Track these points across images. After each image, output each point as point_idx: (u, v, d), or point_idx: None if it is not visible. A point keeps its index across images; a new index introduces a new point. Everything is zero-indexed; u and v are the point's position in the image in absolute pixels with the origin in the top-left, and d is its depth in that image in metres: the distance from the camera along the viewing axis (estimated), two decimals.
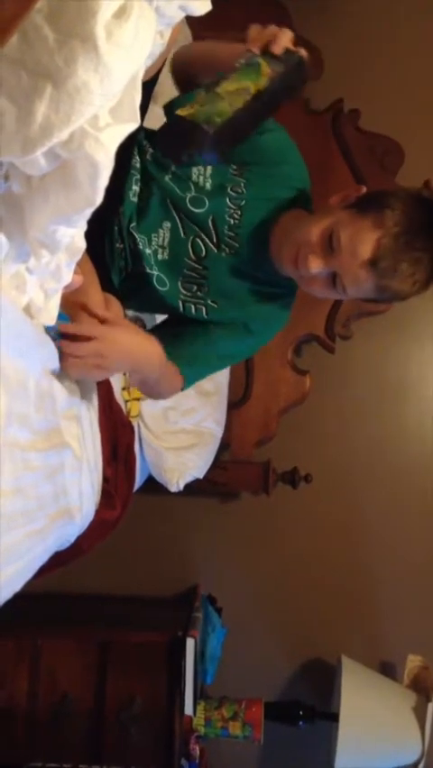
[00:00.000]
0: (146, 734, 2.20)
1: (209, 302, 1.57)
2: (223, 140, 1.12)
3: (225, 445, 2.56)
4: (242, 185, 1.53)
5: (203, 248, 1.54)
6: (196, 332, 1.57)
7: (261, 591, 2.77)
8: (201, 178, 1.52)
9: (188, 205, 1.51)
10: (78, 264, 1.11)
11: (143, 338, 1.35)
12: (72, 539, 1.39)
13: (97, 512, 1.46)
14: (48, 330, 1.15)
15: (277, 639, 2.77)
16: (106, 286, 1.40)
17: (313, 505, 2.76)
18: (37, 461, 1.12)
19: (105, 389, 1.53)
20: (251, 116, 1.14)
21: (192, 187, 1.52)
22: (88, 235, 1.05)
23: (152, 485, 2.20)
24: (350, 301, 2.61)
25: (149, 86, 1.45)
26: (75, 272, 1.11)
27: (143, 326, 1.76)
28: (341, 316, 2.65)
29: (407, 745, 2.41)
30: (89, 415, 1.39)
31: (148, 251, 1.53)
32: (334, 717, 2.44)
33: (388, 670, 2.71)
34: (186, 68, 1.44)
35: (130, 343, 1.29)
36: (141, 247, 1.51)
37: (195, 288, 1.56)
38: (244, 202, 1.53)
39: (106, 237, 1.51)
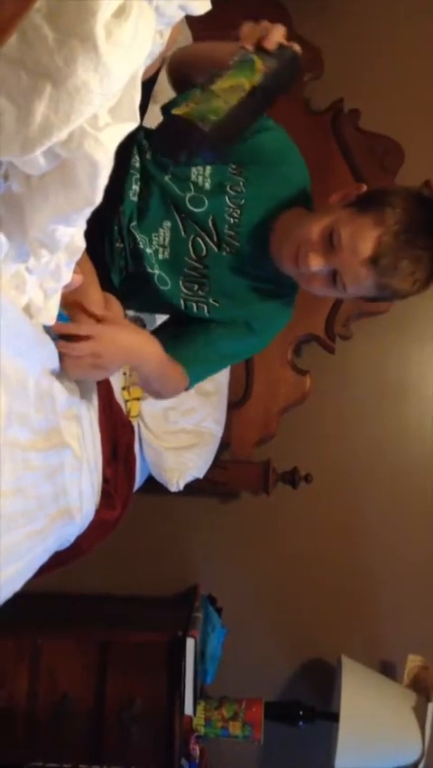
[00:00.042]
0: (146, 734, 2.20)
1: (211, 301, 1.57)
2: (219, 137, 1.12)
3: (225, 445, 2.56)
4: (241, 184, 1.53)
5: (203, 247, 1.54)
6: (198, 331, 1.57)
7: (261, 591, 2.77)
8: (200, 177, 1.52)
9: (188, 204, 1.52)
10: (78, 264, 1.11)
11: (141, 336, 1.35)
12: (72, 539, 1.39)
13: (97, 512, 1.46)
14: (47, 330, 1.15)
15: (277, 639, 2.77)
16: (106, 285, 1.40)
17: (313, 505, 2.76)
18: (37, 460, 1.12)
19: (105, 389, 1.54)
20: (246, 112, 1.15)
21: (191, 187, 1.52)
22: (88, 235, 1.05)
23: (152, 485, 2.20)
24: (350, 301, 2.61)
25: (148, 86, 1.46)
26: (74, 272, 1.11)
27: (143, 326, 1.76)
28: (341, 316, 2.65)
29: (407, 744, 2.41)
30: (89, 414, 1.39)
31: (149, 250, 1.53)
32: (334, 717, 2.44)
33: (388, 670, 2.71)
34: (181, 70, 1.44)
35: (127, 342, 1.29)
36: (141, 246, 1.51)
37: (196, 287, 1.56)
38: (243, 201, 1.53)
39: (106, 237, 1.51)
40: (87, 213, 0.92)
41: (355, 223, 1.40)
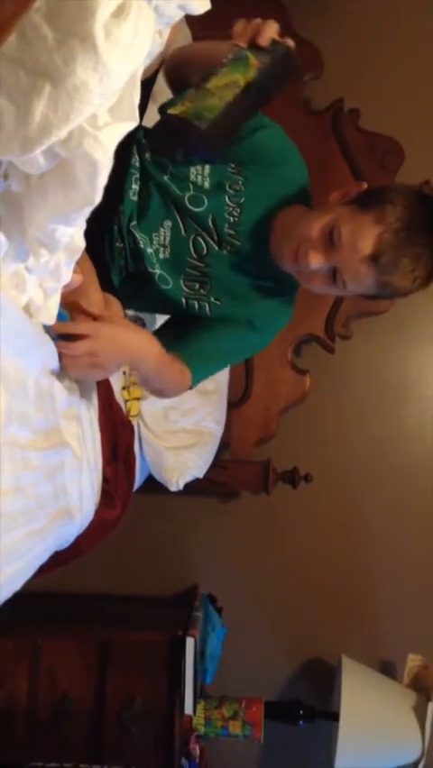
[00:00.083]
0: (146, 733, 2.20)
1: (212, 299, 1.57)
2: (216, 134, 1.12)
3: (225, 445, 2.56)
4: (240, 183, 1.53)
5: (204, 246, 1.54)
6: (200, 329, 1.57)
7: (261, 591, 2.77)
8: (199, 177, 1.52)
9: (188, 204, 1.52)
10: (78, 263, 1.11)
11: (139, 335, 1.35)
12: (72, 539, 1.39)
13: (97, 512, 1.46)
14: (47, 329, 1.15)
15: (277, 638, 2.77)
16: (106, 285, 1.40)
17: (313, 504, 2.76)
18: (37, 460, 1.12)
19: (104, 389, 1.54)
20: (242, 109, 1.15)
21: (191, 187, 1.52)
22: (88, 234, 1.05)
23: (152, 484, 2.20)
24: (350, 301, 2.61)
25: (148, 85, 1.46)
26: (74, 271, 1.11)
27: (143, 326, 1.76)
28: (341, 316, 2.65)
29: (407, 744, 2.41)
30: (89, 414, 1.39)
31: (149, 249, 1.53)
32: (334, 717, 2.44)
33: (388, 669, 2.71)
34: (177, 70, 1.44)
35: (124, 340, 1.29)
36: (142, 246, 1.51)
37: (197, 285, 1.56)
38: (243, 200, 1.53)
39: (106, 236, 1.51)
40: (87, 212, 0.92)
41: (356, 220, 1.40)
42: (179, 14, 0.97)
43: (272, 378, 2.65)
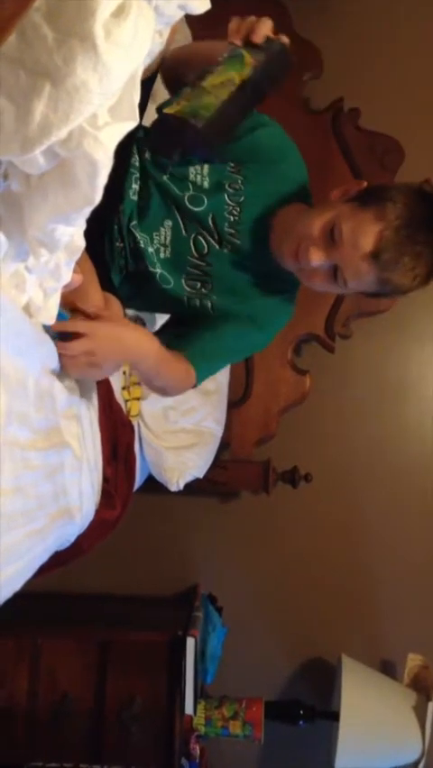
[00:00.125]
0: (146, 733, 2.20)
1: (214, 298, 1.57)
2: (212, 132, 1.12)
3: (225, 445, 2.56)
4: (239, 181, 1.53)
5: (205, 245, 1.54)
6: (202, 327, 1.56)
7: (261, 590, 2.77)
8: (199, 176, 1.52)
9: (188, 203, 1.52)
10: (78, 263, 1.11)
11: (137, 333, 1.34)
12: (72, 539, 1.39)
13: (97, 512, 1.46)
14: (47, 329, 1.15)
15: (277, 638, 2.77)
16: (106, 285, 1.40)
17: (313, 504, 2.76)
18: (37, 460, 1.12)
19: (105, 389, 1.53)
20: (238, 107, 1.15)
21: (190, 187, 1.52)
22: (88, 234, 1.05)
23: (152, 484, 2.20)
24: (350, 301, 2.61)
25: (147, 85, 1.46)
26: (74, 271, 1.11)
27: (143, 326, 1.76)
28: (341, 316, 2.65)
29: (407, 744, 2.41)
30: (89, 414, 1.39)
31: (150, 249, 1.53)
32: (334, 717, 2.44)
33: (388, 669, 2.71)
34: (173, 70, 1.44)
35: (121, 338, 1.28)
36: (142, 245, 1.51)
37: (199, 284, 1.56)
38: (242, 198, 1.53)
39: (106, 236, 1.51)
40: (87, 212, 0.92)
41: (357, 217, 1.40)
42: (179, 14, 0.97)
43: (272, 377, 2.65)
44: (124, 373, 1.77)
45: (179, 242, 1.54)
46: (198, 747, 2.29)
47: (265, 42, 1.19)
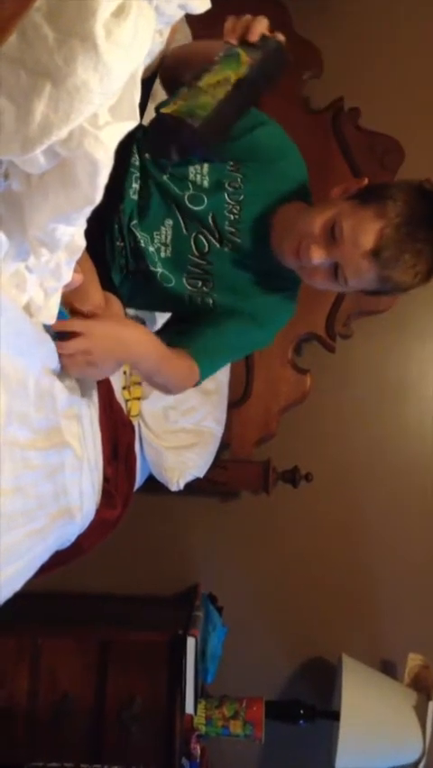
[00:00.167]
0: (147, 733, 2.20)
1: (215, 296, 1.57)
2: (209, 132, 1.12)
3: (225, 444, 2.56)
4: (239, 180, 1.53)
5: (206, 244, 1.54)
6: (204, 325, 1.56)
7: (261, 590, 2.77)
8: (198, 176, 1.52)
9: (188, 203, 1.52)
10: (78, 262, 1.11)
11: (135, 330, 1.33)
12: (72, 538, 1.39)
13: (98, 511, 1.46)
14: (47, 329, 1.15)
15: (278, 638, 2.77)
16: (107, 284, 1.40)
17: (313, 504, 2.76)
18: (37, 460, 1.12)
19: (105, 389, 1.53)
20: (235, 106, 1.15)
21: (190, 186, 1.52)
22: (88, 233, 1.05)
23: (153, 484, 2.20)
24: (350, 300, 2.61)
25: (147, 85, 1.46)
26: (75, 271, 1.11)
27: (143, 325, 1.75)
28: (341, 315, 2.65)
29: (408, 743, 2.41)
30: (90, 414, 1.39)
31: (151, 248, 1.53)
32: (334, 716, 2.44)
33: (389, 668, 2.71)
34: (170, 71, 1.44)
35: (119, 336, 1.27)
36: (143, 245, 1.51)
37: (200, 283, 1.57)
38: (242, 197, 1.53)
39: (107, 235, 1.51)
40: (88, 212, 0.92)
41: (357, 215, 1.40)
42: (180, 14, 0.97)
43: (273, 377, 2.65)
44: (125, 373, 1.77)
45: (179, 241, 1.54)
46: (198, 747, 2.29)
47: (261, 41, 1.19)
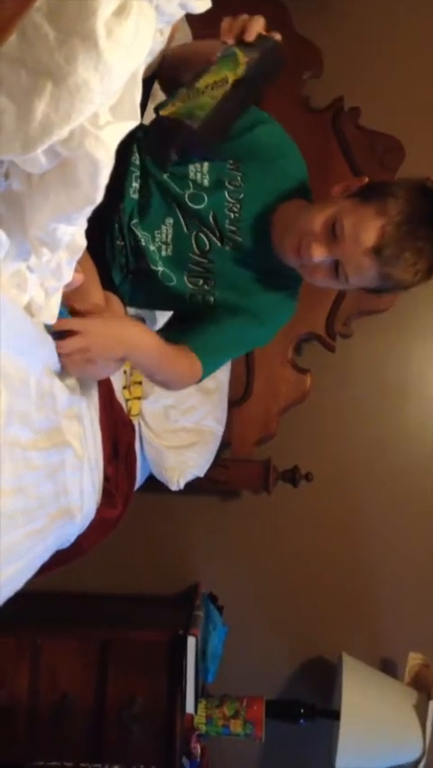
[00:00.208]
0: (147, 732, 2.21)
1: (216, 294, 1.57)
2: (208, 132, 1.13)
3: (225, 444, 2.56)
4: (239, 179, 1.53)
5: (207, 242, 1.54)
6: (205, 322, 1.56)
7: (262, 590, 2.77)
8: (198, 175, 1.52)
9: (188, 201, 1.52)
10: (79, 262, 1.11)
11: (134, 327, 1.33)
12: (73, 538, 1.39)
13: (98, 511, 1.46)
14: (48, 328, 1.15)
15: (278, 637, 2.77)
16: (107, 283, 1.40)
17: (314, 503, 2.76)
18: (38, 459, 1.12)
19: (105, 388, 1.53)
20: (233, 105, 1.16)
21: (190, 185, 1.52)
22: (89, 233, 1.05)
23: (153, 484, 2.20)
24: (351, 300, 2.61)
25: (148, 84, 1.46)
26: (75, 270, 1.11)
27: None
28: (342, 315, 2.65)
29: (408, 742, 2.41)
30: (90, 413, 1.39)
31: (152, 247, 1.53)
32: (335, 716, 2.44)
33: (389, 668, 2.71)
34: (168, 72, 1.44)
35: (116, 333, 1.27)
36: (143, 244, 1.51)
37: (201, 281, 1.56)
38: (242, 195, 1.53)
39: (107, 234, 1.51)
40: (88, 211, 0.92)
41: (358, 213, 1.40)
42: (180, 13, 0.97)
43: (273, 376, 2.65)
44: (125, 372, 1.77)
45: (180, 240, 1.54)
46: (198, 746, 2.29)
47: (258, 40, 1.19)
